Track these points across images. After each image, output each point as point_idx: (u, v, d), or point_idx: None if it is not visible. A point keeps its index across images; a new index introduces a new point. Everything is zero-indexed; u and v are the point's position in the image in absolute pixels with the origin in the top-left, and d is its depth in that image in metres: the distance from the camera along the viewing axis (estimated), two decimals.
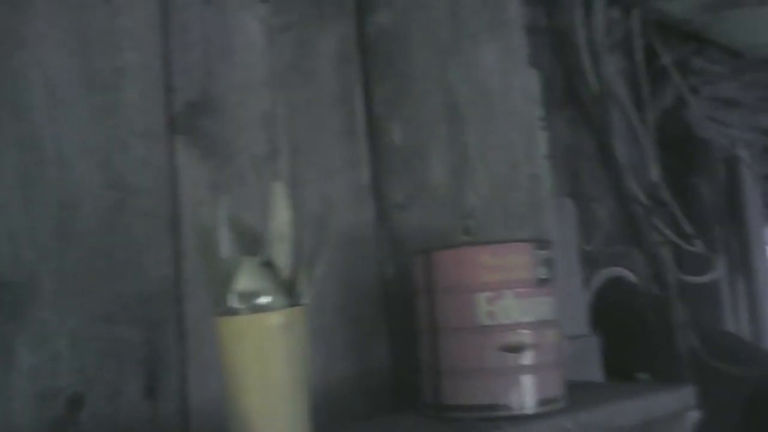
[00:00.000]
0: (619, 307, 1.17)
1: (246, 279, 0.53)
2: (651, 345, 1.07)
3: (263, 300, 0.53)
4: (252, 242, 0.56)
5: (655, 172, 1.22)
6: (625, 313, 1.16)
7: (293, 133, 0.81)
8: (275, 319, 0.53)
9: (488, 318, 0.72)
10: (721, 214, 1.44)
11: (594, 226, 1.20)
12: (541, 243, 0.76)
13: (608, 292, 1.22)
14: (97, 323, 0.66)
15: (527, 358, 0.72)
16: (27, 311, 0.63)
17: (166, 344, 0.70)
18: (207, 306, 0.57)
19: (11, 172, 0.64)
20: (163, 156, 0.72)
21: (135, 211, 0.70)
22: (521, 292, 0.72)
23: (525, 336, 0.72)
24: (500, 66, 1.00)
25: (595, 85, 1.17)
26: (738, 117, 1.56)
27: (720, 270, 1.21)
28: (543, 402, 0.72)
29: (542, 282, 0.74)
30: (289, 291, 0.55)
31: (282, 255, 0.56)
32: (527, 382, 0.72)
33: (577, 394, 0.83)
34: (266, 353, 0.53)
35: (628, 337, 1.14)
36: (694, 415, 0.84)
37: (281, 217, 0.56)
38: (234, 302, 0.53)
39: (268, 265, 0.54)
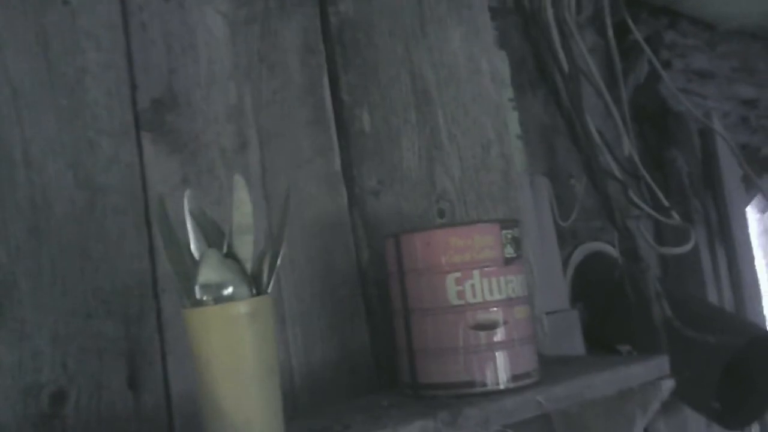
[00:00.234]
0: (599, 280, 1.19)
1: (209, 271, 0.54)
2: (629, 317, 1.08)
3: (227, 291, 0.54)
4: (216, 235, 0.58)
5: (627, 147, 1.23)
6: (604, 287, 1.17)
7: (262, 125, 0.82)
8: (240, 308, 0.54)
9: (457, 298, 0.73)
10: (698, 186, 1.46)
11: (572, 202, 1.21)
12: (508, 222, 0.77)
13: (588, 267, 1.24)
14: (76, 319, 0.68)
15: (498, 336, 0.74)
16: (5, 310, 0.64)
17: (146, 337, 0.71)
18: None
19: None
20: (131, 153, 0.73)
21: (106, 208, 0.71)
22: (489, 271, 0.74)
23: (494, 314, 0.74)
24: (467, 49, 1.02)
25: (566, 63, 1.18)
26: (713, 88, 1.57)
27: (695, 241, 1.22)
28: (516, 377, 0.74)
29: (510, 260, 0.76)
30: (253, 281, 0.56)
31: (245, 246, 0.57)
32: (499, 358, 0.74)
33: (554, 368, 0.85)
34: (233, 342, 0.54)
35: (608, 310, 1.15)
36: (669, 384, 0.86)
37: (243, 209, 0.58)
38: (199, 294, 0.55)
39: (231, 257, 0.56)
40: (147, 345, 0.71)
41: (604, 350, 1.12)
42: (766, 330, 1.35)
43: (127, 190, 0.72)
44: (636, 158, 1.25)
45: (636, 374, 0.83)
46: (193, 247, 0.58)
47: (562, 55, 1.18)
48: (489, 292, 0.74)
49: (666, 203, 1.24)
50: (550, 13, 1.19)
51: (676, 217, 1.22)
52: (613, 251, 1.23)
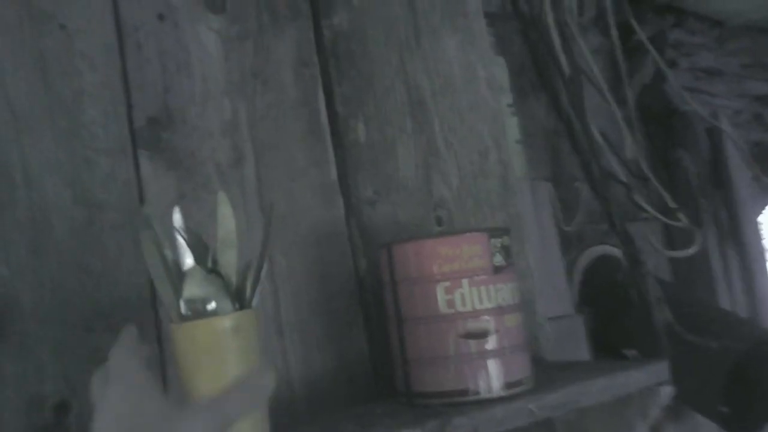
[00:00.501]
0: (605, 285, 1.19)
1: (193, 286, 0.56)
2: (633, 321, 1.08)
3: (211, 306, 0.56)
4: (202, 250, 0.59)
5: (630, 149, 1.23)
6: (610, 291, 1.17)
7: (257, 139, 0.84)
8: (222, 323, 0.56)
9: (447, 307, 0.74)
10: (707, 187, 1.44)
11: (576, 206, 1.22)
12: (497, 231, 0.78)
13: (596, 271, 1.24)
14: (77, 332, 0.70)
15: (488, 344, 0.75)
16: (8, 325, 0.67)
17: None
18: None
19: None
20: (128, 171, 0.75)
21: (105, 224, 0.73)
22: (478, 280, 0.75)
23: (485, 322, 0.75)
24: (462, 57, 1.02)
25: (567, 66, 1.18)
26: (723, 86, 1.55)
27: (702, 244, 1.21)
28: (508, 385, 0.75)
29: (500, 269, 0.76)
30: (236, 296, 0.58)
31: (229, 261, 0.59)
32: (491, 366, 0.75)
33: (553, 374, 0.86)
34: (218, 357, 0.56)
35: (614, 315, 1.15)
36: (669, 390, 0.86)
37: (227, 225, 0.59)
38: (184, 309, 0.56)
39: (215, 272, 0.57)
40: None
41: (612, 355, 1.12)
42: None
43: (125, 207, 0.75)
44: (641, 160, 1.24)
45: (634, 380, 0.83)
46: (179, 262, 0.59)
47: (563, 58, 1.19)
48: (479, 300, 0.75)
49: (672, 205, 1.24)
50: (550, 16, 1.19)
51: (683, 220, 1.21)
52: (620, 255, 1.23)
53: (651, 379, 0.85)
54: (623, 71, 1.36)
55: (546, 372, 0.87)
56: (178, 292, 0.57)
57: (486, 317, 0.75)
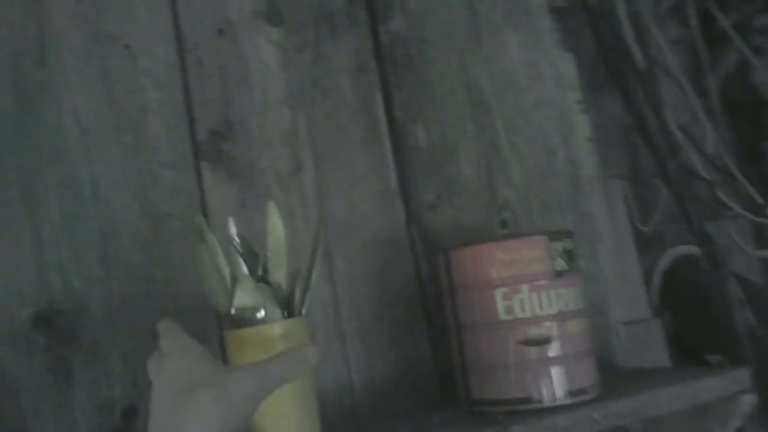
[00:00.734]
0: (686, 287, 1.13)
1: (243, 295, 0.57)
2: (715, 325, 1.02)
3: (260, 314, 0.57)
4: (253, 260, 0.61)
5: (712, 143, 1.17)
6: (691, 294, 1.12)
7: (316, 147, 0.85)
8: (272, 331, 0.57)
9: (506, 313, 0.73)
10: None
11: (655, 205, 1.16)
12: (558, 234, 0.76)
13: (677, 273, 1.18)
14: (144, 339, 0.73)
15: (551, 351, 0.73)
16: (80, 333, 0.70)
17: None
18: None
19: (55, 212, 0.71)
20: (191, 183, 0.78)
21: (169, 235, 0.76)
22: (538, 285, 0.73)
23: (546, 329, 0.73)
24: (526, 55, 1.00)
25: (641, 59, 1.14)
26: None
27: None
28: (572, 393, 0.73)
29: (561, 273, 0.74)
30: (286, 304, 0.59)
31: (279, 270, 0.60)
32: (552, 374, 0.73)
33: (622, 382, 0.83)
34: None
35: (695, 319, 1.10)
36: (750, 399, 0.81)
37: (277, 234, 0.60)
38: (235, 317, 0.58)
39: (265, 281, 0.58)
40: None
41: (695, 362, 1.07)
42: None
43: (189, 218, 0.77)
44: (725, 154, 1.18)
45: (711, 388, 0.79)
46: (234, 271, 0.61)
47: (636, 51, 1.14)
48: (539, 306, 0.73)
49: (760, 201, 1.17)
50: (621, 8, 1.15)
51: None
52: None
53: (730, 387, 0.80)
54: (705, 62, 1.29)
55: (617, 379, 0.84)
56: (229, 300, 0.58)
57: (547, 323, 0.73)
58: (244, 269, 0.60)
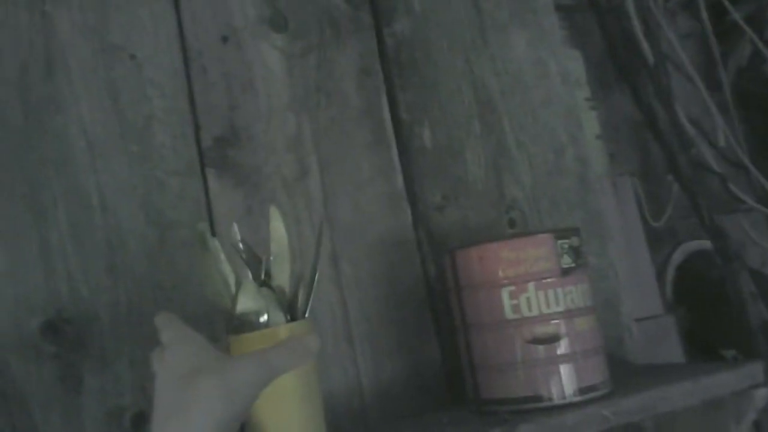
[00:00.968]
0: (700, 282, 1.12)
1: (246, 300, 0.57)
2: (729, 320, 1.01)
3: (263, 318, 0.58)
4: (257, 264, 0.61)
5: (724, 137, 1.15)
6: (705, 289, 1.11)
7: (321, 152, 0.85)
8: (275, 335, 0.57)
9: (513, 312, 0.73)
10: None
11: (667, 200, 1.15)
12: (564, 232, 0.75)
13: (691, 268, 1.17)
14: (152, 346, 0.73)
15: (559, 349, 0.72)
16: (88, 341, 0.71)
17: None
18: None
19: (63, 221, 0.72)
20: (197, 189, 0.79)
21: (176, 242, 0.76)
22: (544, 283, 0.73)
23: (553, 326, 0.72)
24: (533, 53, 1.00)
25: (651, 54, 1.13)
26: None
27: None
28: (582, 391, 0.72)
29: (568, 271, 0.74)
30: (289, 308, 0.59)
31: (282, 274, 0.60)
32: (561, 371, 0.72)
33: (633, 378, 0.82)
34: None
35: (709, 314, 1.09)
36: (765, 393, 0.80)
37: (279, 238, 0.61)
38: (238, 322, 0.58)
39: (267, 286, 0.59)
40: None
41: (709, 357, 1.06)
42: None
43: (195, 224, 0.78)
44: (738, 147, 1.16)
45: (724, 383, 0.78)
46: (237, 276, 0.61)
47: (646, 46, 1.13)
48: (546, 304, 0.72)
49: None
50: (630, 3, 1.14)
51: None
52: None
53: (743, 381, 0.79)
54: (716, 55, 1.28)
55: (629, 376, 0.84)
56: (232, 305, 0.59)
57: (554, 321, 0.73)
58: (248, 274, 0.61)
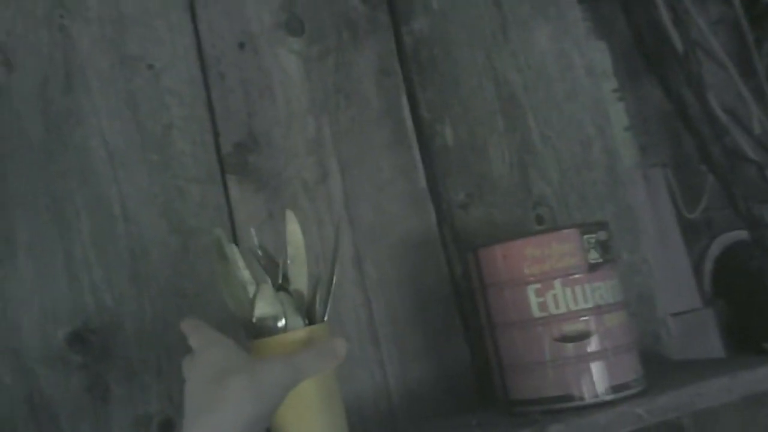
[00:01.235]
0: (739, 273, 1.09)
1: (263, 304, 0.57)
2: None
3: (281, 323, 0.57)
4: (272, 268, 0.61)
5: (760, 124, 1.12)
6: (744, 280, 1.07)
7: (341, 154, 0.85)
8: (293, 338, 0.56)
9: (540, 310, 0.71)
10: None
11: (702, 191, 1.12)
12: (591, 226, 0.74)
13: (730, 259, 1.13)
14: (177, 354, 0.73)
15: (589, 346, 0.70)
16: (114, 351, 0.72)
17: None
18: None
19: (86, 232, 0.73)
20: (218, 196, 0.79)
21: (199, 250, 0.77)
22: (571, 279, 0.71)
23: (582, 324, 0.71)
24: (556, 46, 0.98)
25: (680, 41, 1.10)
26: None
27: None
28: (614, 389, 0.70)
29: (596, 266, 0.72)
30: (307, 311, 0.59)
31: (299, 278, 0.59)
32: (592, 369, 0.70)
33: (669, 374, 0.79)
34: None
35: (749, 306, 1.05)
36: None
37: (296, 242, 0.60)
38: (257, 326, 0.58)
39: (284, 290, 0.58)
40: None
41: (750, 349, 1.02)
42: None
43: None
44: None
45: (763, 378, 0.75)
46: (255, 280, 0.61)
47: (674, 34, 1.10)
48: (573, 301, 0.71)
49: None
50: None
51: None
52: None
53: None
54: (750, 41, 1.24)
55: (665, 372, 0.81)
56: (250, 310, 0.58)
57: (583, 318, 0.71)
58: (268, 279, 0.60)
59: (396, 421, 0.80)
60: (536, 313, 0.71)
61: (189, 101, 0.80)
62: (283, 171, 0.82)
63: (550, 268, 0.71)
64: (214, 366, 0.52)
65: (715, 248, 1.14)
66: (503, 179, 0.92)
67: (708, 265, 1.12)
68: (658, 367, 0.84)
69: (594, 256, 0.72)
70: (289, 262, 0.60)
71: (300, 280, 0.60)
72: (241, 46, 0.84)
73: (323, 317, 0.59)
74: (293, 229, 0.61)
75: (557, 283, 0.71)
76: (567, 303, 0.70)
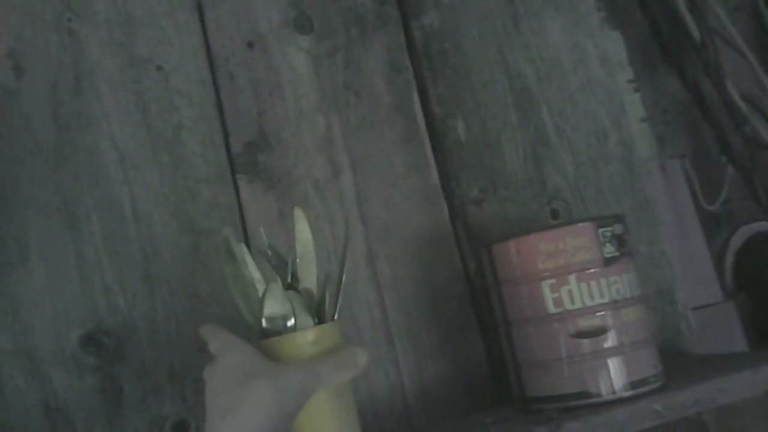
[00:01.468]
0: (761, 265, 1.06)
1: (273, 304, 0.56)
2: None
3: (291, 322, 0.56)
4: (281, 267, 0.60)
5: None
6: (767, 272, 1.05)
7: (352, 151, 0.84)
8: (303, 337, 0.56)
9: (555, 305, 0.70)
10: None
11: (722, 182, 1.10)
12: (606, 219, 0.72)
13: (751, 251, 1.11)
14: (190, 354, 0.74)
15: (606, 341, 0.69)
16: (127, 352, 0.72)
17: None
18: None
19: (98, 234, 0.73)
20: (229, 195, 0.78)
21: (210, 250, 0.76)
22: (587, 274, 0.70)
23: (598, 319, 0.69)
24: (569, 38, 0.97)
25: (697, 29, 1.08)
26: None
27: None
28: (632, 385, 0.69)
29: (612, 260, 0.71)
30: (317, 310, 0.58)
31: (308, 277, 0.59)
32: (609, 365, 0.69)
33: (689, 369, 0.78)
34: None
35: None
36: None
37: (305, 240, 0.60)
38: (266, 326, 0.57)
39: (294, 289, 0.58)
40: None
41: None
42: None
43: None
44: None
45: None
46: (265, 280, 0.60)
47: (691, 21, 1.08)
48: (589, 296, 0.69)
49: None
50: None
51: None
52: None
53: None
54: None
55: (686, 367, 0.80)
56: (260, 309, 0.58)
57: (599, 313, 0.69)
58: (278, 278, 0.60)
59: (411, 419, 0.79)
60: (551, 308, 0.70)
61: (198, 101, 0.80)
62: (294, 169, 0.82)
63: (564, 263, 0.70)
64: (236, 369, 0.53)
65: (736, 240, 1.12)
66: (517, 174, 0.90)
67: (729, 258, 1.10)
68: (678, 363, 0.82)
69: (610, 250, 0.71)
70: (298, 260, 0.60)
71: (309, 279, 0.59)
72: (250, 45, 0.83)
73: (333, 316, 0.59)
74: (302, 227, 0.60)
75: (572, 278, 0.70)
76: (582, 298, 0.69)
